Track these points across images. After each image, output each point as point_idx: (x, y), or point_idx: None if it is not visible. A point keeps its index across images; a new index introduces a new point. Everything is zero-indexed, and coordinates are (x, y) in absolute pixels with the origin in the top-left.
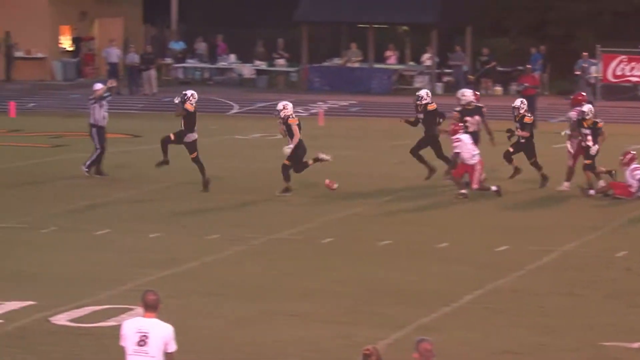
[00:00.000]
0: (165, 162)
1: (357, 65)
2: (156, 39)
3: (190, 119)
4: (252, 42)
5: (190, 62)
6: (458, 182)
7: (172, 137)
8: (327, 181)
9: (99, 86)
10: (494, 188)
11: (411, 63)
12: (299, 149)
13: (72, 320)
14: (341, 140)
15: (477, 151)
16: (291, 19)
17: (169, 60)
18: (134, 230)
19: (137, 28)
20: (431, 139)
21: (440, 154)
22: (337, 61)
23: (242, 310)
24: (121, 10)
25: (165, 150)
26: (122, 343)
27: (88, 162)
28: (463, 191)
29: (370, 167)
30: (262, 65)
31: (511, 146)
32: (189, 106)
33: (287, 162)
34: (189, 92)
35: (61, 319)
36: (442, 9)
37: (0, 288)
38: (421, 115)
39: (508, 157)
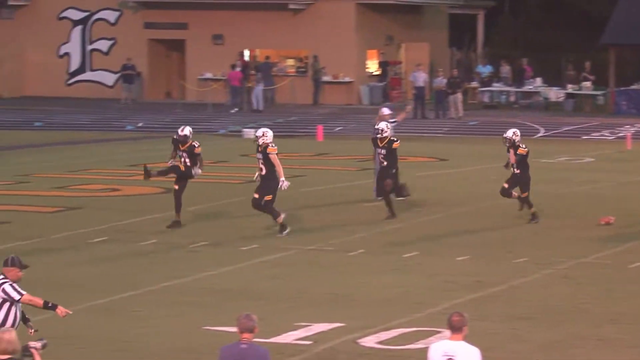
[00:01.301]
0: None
1: None
2: (461, 62)
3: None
4: (557, 65)
5: (496, 86)
6: None
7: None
8: (604, 219)
9: (386, 111)
10: None
11: None
12: (272, 180)
13: (380, 343)
14: None
15: None
16: (598, 42)
17: (475, 84)
18: (440, 253)
19: (442, 52)
20: None
21: None
22: None
23: (551, 334)
24: (427, 35)
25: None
26: None
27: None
28: None
29: None
30: (572, 88)
31: (506, 182)
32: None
33: (257, 195)
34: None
35: (369, 340)
36: None
37: (310, 310)
38: None
39: (506, 192)
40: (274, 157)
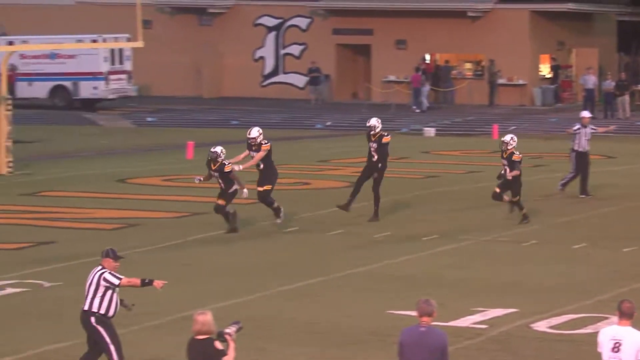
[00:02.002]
0: None
1: None
2: (629, 66)
3: None
4: None
5: None
6: None
7: None
8: None
9: (586, 114)
10: None
11: None
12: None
13: (551, 327)
14: None
15: None
16: None
17: None
18: (608, 245)
19: (611, 57)
20: None
21: None
22: None
23: None
24: (596, 41)
25: None
26: (599, 349)
27: (563, 182)
28: None
29: None
30: None
31: (497, 186)
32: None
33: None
34: None
35: (541, 325)
36: None
37: (486, 296)
38: None
39: (498, 197)
40: (260, 155)
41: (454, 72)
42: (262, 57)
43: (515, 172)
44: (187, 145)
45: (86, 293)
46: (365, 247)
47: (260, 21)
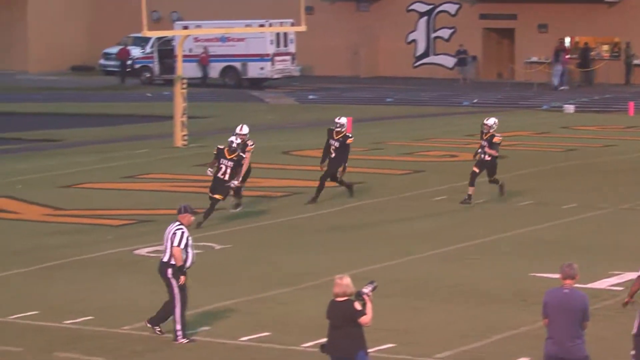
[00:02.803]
0: None
1: None
2: None
3: None
4: None
5: None
6: None
7: None
8: None
9: None
10: None
11: None
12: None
13: None
14: None
15: None
16: None
17: None
18: None
19: None
20: None
21: None
22: None
23: None
24: None
25: None
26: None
27: None
28: None
29: None
30: None
31: (475, 165)
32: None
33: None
34: None
35: None
36: None
37: (623, 260)
38: None
39: (474, 178)
40: (249, 157)
41: (592, 53)
42: (414, 40)
43: (493, 152)
44: (347, 120)
45: (165, 246)
46: (509, 215)
47: (413, 7)
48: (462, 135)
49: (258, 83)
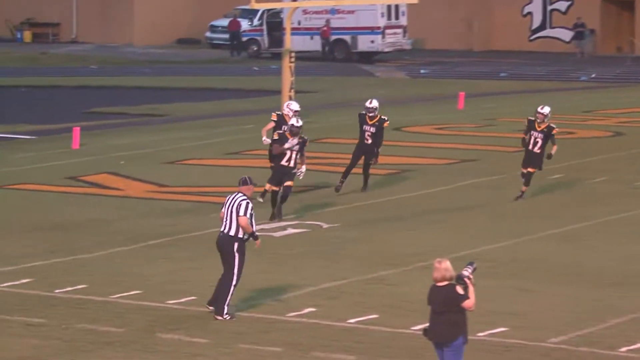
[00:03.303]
0: None
1: None
2: None
3: None
4: None
5: None
6: None
7: None
8: None
9: None
10: None
11: None
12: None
13: None
14: None
15: None
16: None
17: None
18: None
19: None
20: None
21: None
22: None
23: None
24: None
25: None
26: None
27: None
28: None
29: None
30: None
31: (524, 165)
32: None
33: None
34: None
35: None
36: None
37: None
38: None
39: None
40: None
41: None
42: (530, 13)
43: (555, 147)
44: (458, 95)
45: (227, 218)
46: (626, 194)
47: None
48: (579, 112)
49: (368, 57)
